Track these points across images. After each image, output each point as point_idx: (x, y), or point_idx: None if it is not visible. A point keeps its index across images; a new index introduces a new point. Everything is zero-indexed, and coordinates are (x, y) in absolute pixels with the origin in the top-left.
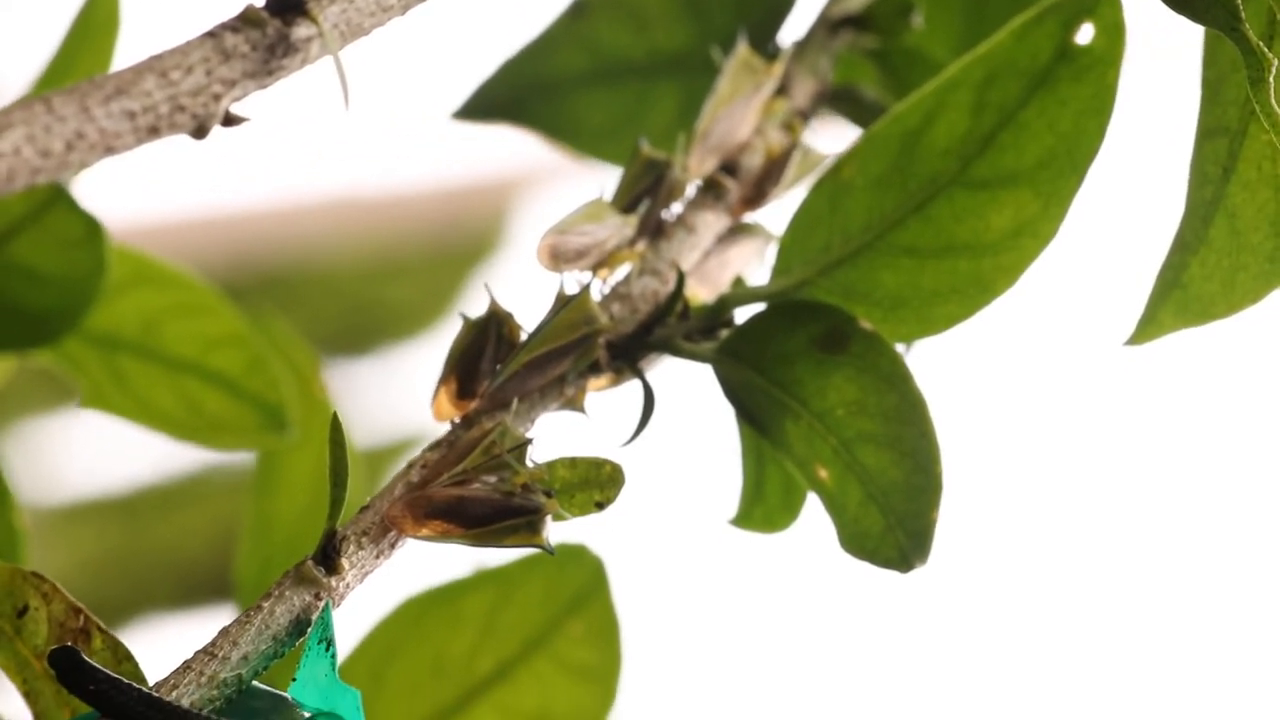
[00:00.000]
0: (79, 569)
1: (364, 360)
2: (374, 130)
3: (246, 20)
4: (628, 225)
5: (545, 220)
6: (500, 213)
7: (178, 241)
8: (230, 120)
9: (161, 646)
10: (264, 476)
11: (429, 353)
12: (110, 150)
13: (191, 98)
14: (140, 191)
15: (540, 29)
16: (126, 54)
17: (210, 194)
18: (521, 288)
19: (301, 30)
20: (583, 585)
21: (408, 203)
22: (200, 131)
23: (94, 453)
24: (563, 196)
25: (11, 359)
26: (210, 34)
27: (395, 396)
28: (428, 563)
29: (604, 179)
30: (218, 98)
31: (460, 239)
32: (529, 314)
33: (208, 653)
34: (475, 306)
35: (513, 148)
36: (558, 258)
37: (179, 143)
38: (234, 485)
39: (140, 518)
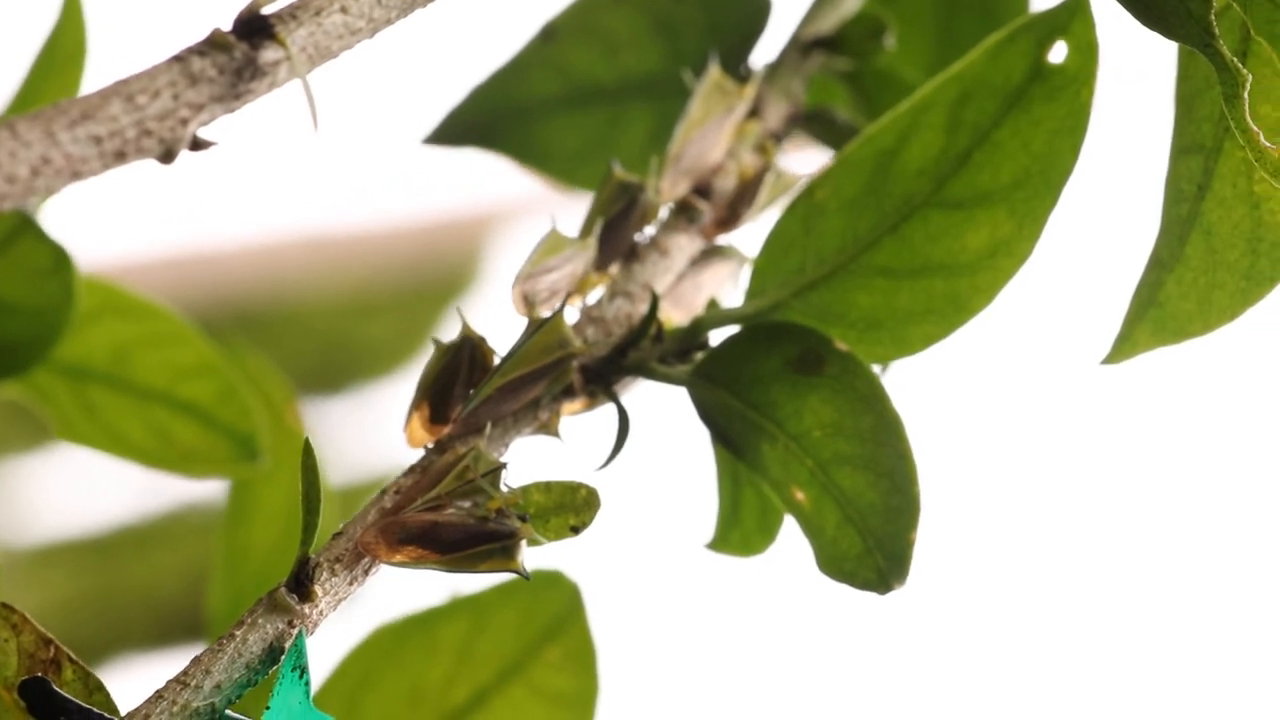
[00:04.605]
0: (53, 610)
1: (339, 398)
2: (348, 167)
3: (213, 44)
4: (587, 246)
5: (518, 259)
6: (475, 249)
7: (152, 280)
8: (198, 145)
9: (136, 687)
10: (236, 508)
11: (404, 390)
12: (77, 175)
13: (158, 122)
14: (114, 230)
15: (510, 54)
16: (94, 84)
17: (184, 232)
18: (498, 323)
19: (269, 54)
20: (559, 611)
21: (382, 239)
22: (167, 156)
23: (68, 493)
24: (538, 231)
25: None
26: (177, 58)
27: (370, 433)
28: (403, 589)
29: (580, 209)
30: (185, 122)
31: (435, 275)
32: (505, 345)
33: (180, 681)
34: (450, 339)
35: (488, 183)
36: (533, 302)
37: (152, 180)
38: (208, 525)
39: (114, 558)
